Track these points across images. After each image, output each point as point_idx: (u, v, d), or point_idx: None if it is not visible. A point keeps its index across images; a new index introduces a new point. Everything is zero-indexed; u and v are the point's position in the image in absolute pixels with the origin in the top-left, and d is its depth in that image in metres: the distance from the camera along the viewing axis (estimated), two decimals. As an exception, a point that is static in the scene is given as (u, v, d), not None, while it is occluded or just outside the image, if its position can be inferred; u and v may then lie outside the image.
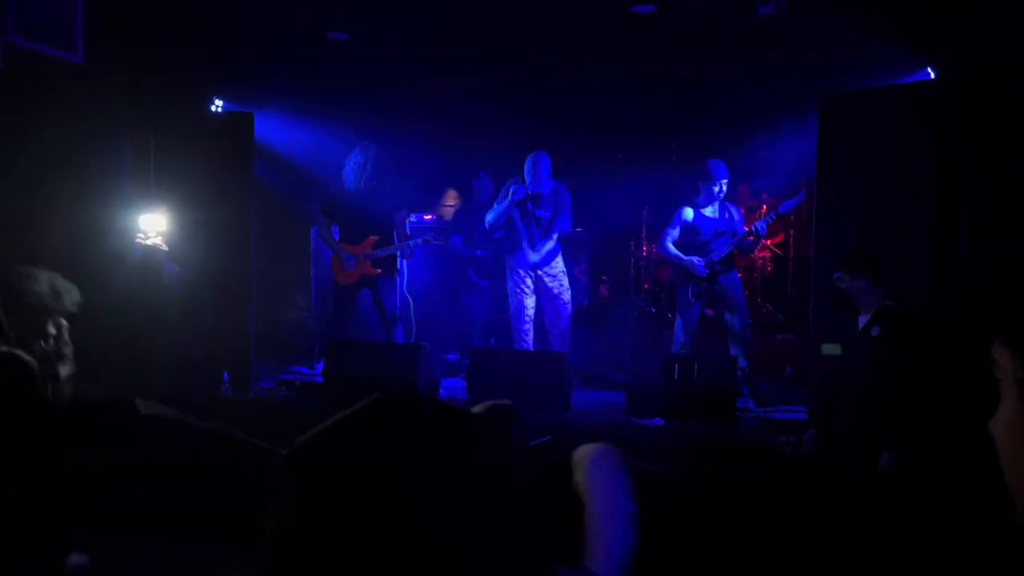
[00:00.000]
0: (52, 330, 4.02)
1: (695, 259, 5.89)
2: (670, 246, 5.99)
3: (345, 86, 7.27)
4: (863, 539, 2.90)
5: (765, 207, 7.56)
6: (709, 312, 6.36)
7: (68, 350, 4.07)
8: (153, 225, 5.45)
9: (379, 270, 6.18)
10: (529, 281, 6.34)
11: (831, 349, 5.69)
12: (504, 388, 4.98)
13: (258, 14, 5.77)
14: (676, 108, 7.67)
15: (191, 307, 5.59)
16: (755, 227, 5.85)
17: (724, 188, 5.95)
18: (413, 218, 7.73)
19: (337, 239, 6.31)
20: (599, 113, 7.54)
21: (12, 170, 4.74)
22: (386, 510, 1.83)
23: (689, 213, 5.99)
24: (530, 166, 6.15)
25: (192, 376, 5.46)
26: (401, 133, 7.51)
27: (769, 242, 7.91)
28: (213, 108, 6.36)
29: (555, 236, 6.30)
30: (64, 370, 4.08)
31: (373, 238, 6.19)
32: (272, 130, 7.03)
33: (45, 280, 3.89)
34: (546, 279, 6.35)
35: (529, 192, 6.16)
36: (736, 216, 6.06)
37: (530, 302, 6.36)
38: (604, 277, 8.94)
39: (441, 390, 6.17)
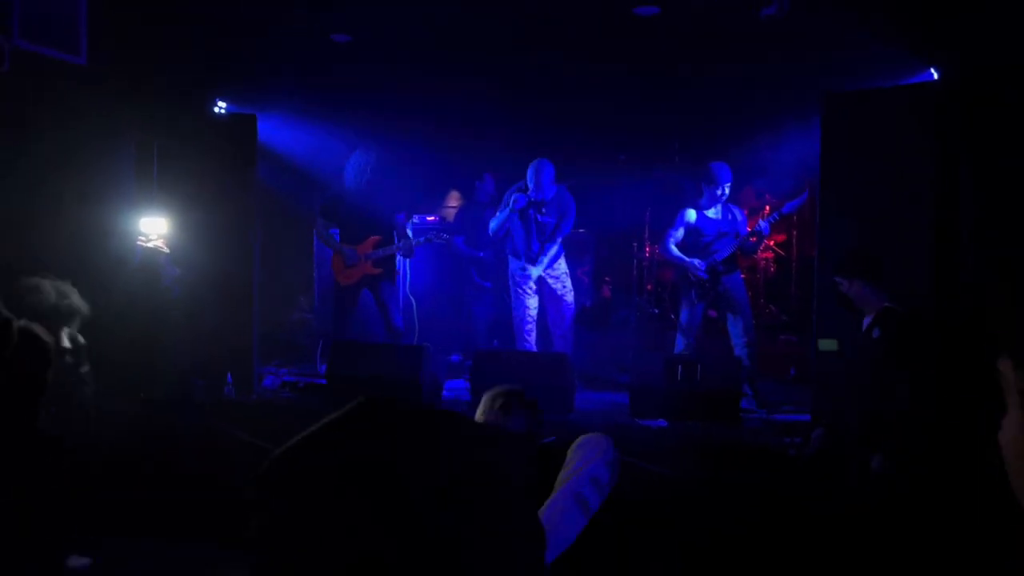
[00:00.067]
0: (67, 341, 4.06)
1: (696, 261, 5.89)
2: (672, 247, 5.99)
3: (347, 88, 7.28)
4: (863, 539, 2.89)
5: (768, 207, 7.55)
6: (712, 313, 6.36)
7: (84, 353, 4.10)
8: (154, 228, 5.46)
9: (380, 269, 6.20)
10: (532, 282, 6.34)
11: (828, 345, 5.70)
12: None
13: (260, 15, 5.78)
14: (678, 109, 7.65)
15: (193, 309, 5.60)
16: (758, 227, 5.85)
17: (727, 191, 5.95)
18: (416, 219, 7.74)
19: (338, 241, 6.33)
20: (601, 114, 7.53)
21: (15, 171, 4.76)
22: (372, 509, 1.83)
23: (692, 214, 5.99)
24: (532, 173, 6.16)
25: (194, 377, 5.47)
26: (404, 134, 7.52)
27: (772, 242, 7.90)
28: (216, 110, 6.38)
29: (560, 240, 6.31)
30: (84, 368, 4.12)
31: (375, 238, 6.21)
32: (275, 131, 7.04)
33: (51, 289, 3.91)
34: (549, 280, 6.36)
35: (532, 199, 6.17)
36: (739, 217, 6.06)
37: (533, 303, 6.36)
38: (607, 278, 8.93)
39: (444, 391, 6.17)
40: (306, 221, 7.46)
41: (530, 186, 6.17)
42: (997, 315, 4.08)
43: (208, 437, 4.47)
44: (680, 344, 6.04)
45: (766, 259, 8.03)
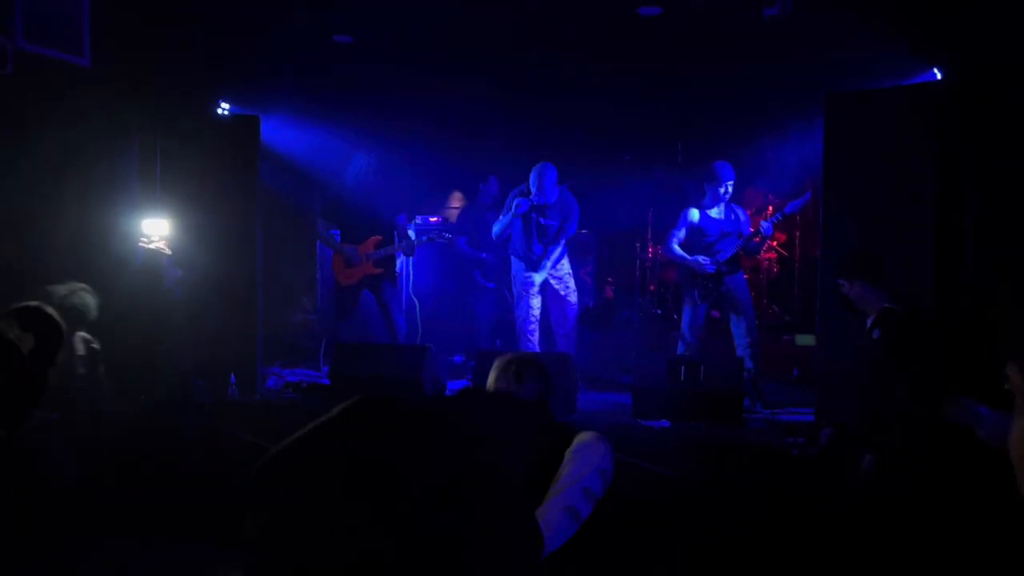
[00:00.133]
0: (81, 349, 4.08)
1: (701, 258, 5.87)
2: (676, 247, 5.98)
3: (350, 89, 7.28)
4: (864, 540, 2.88)
5: (771, 208, 7.54)
6: (715, 313, 6.35)
7: (99, 355, 4.13)
8: (156, 229, 5.46)
9: (381, 269, 6.21)
10: (536, 287, 6.35)
11: (805, 340, 5.69)
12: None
13: (261, 16, 5.78)
14: (681, 109, 7.65)
15: (196, 310, 5.61)
16: (761, 228, 5.85)
17: (730, 190, 5.94)
18: (419, 219, 7.75)
19: (339, 241, 6.34)
20: (603, 114, 7.53)
21: (19, 172, 4.77)
22: (372, 509, 1.83)
23: (695, 214, 5.99)
24: (535, 177, 6.16)
25: (195, 378, 5.48)
26: (404, 134, 7.52)
27: (775, 243, 7.88)
28: (219, 111, 6.39)
29: (563, 242, 6.32)
30: (100, 368, 4.15)
31: (376, 238, 6.22)
32: (277, 132, 7.04)
33: (65, 292, 3.93)
34: (552, 281, 6.37)
35: (535, 203, 6.17)
36: (742, 217, 6.05)
37: (536, 303, 6.36)
38: (609, 279, 8.92)
39: (447, 392, 6.17)
40: (308, 221, 7.46)
41: (533, 190, 6.17)
42: (998, 315, 4.07)
43: (209, 437, 4.47)
44: (683, 345, 6.04)
45: (769, 259, 8.02)
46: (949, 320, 4.40)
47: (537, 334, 6.40)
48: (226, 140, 6.04)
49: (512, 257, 6.49)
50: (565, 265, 6.44)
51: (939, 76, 5.09)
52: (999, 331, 3.89)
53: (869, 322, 4.09)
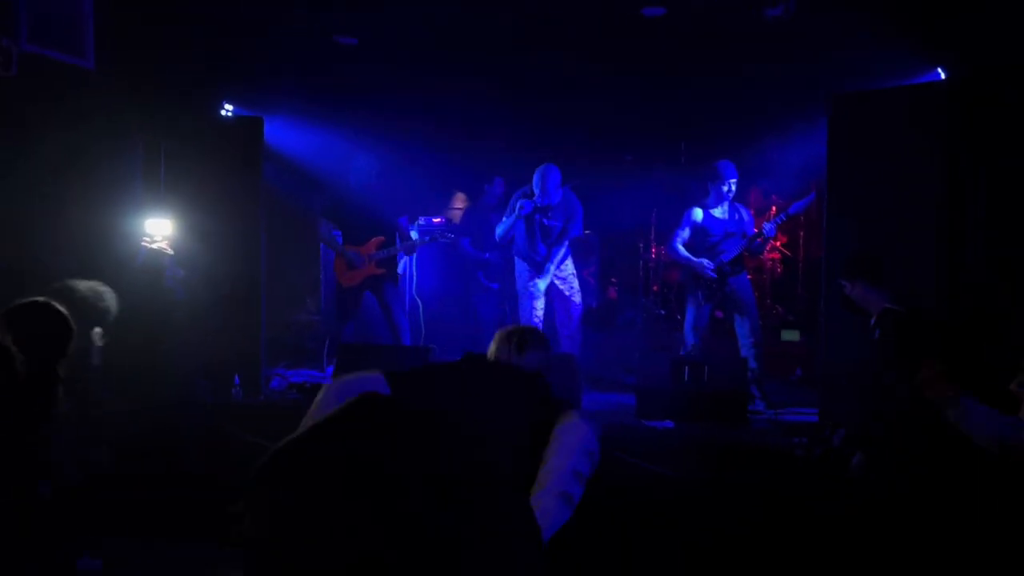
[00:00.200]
0: (98, 340, 4.08)
1: (704, 261, 5.87)
2: (679, 247, 5.98)
3: (350, 89, 7.30)
4: (863, 540, 2.88)
5: (775, 208, 7.54)
6: (719, 314, 6.34)
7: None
8: (159, 229, 5.47)
9: (382, 270, 6.22)
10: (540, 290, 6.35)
11: (789, 335, 5.67)
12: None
13: (263, 17, 5.80)
14: (683, 109, 7.65)
15: (199, 311, 5.61)
16: (764, 229, 5.84)
17: (733, 188, 5.93)
18: (422, 220, 7.76)
19: (340, 243, 6.35)
20: (605, 114, 7.54)
21: (23, 174, 4.78)
22: (372, 509, 1.83)
23: (698, 214, 5.98)
24: (538, 179, 6.16)
25: (198, 378, 5.48)
26: (406, 135, 7.53)
27: (779, 243, 7.88)
28: (223, 112, 6.40)
29: (567, 243, 6.32)
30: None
31: (378, 239, 6.23)
32: (281, 133, 7.06)
33: (86, 290, 3.93)
34: (556, 281, 6.37)
35: (538, 205, 6.18)
36: (746, 217, 6.04)
37: (539, 304, 6.36)
38: (613, 279, 8.93)
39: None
40: (311, 222, 7.47)
41: (536, 192, 6.18)
42: (999, 315, 4.07)
43: (211, 437, 4.48)
44: (687, 345, 6.03)
45: (773, 260, 8.02)
46: (952, 320, 4.39)
47: (540, 334, 6.39)
48: (230, 141, 6.04)
49: (516, 258, 6.49)
50: (569, 265, 6.44)
51: (943, 76, 5.08)
52: (1001, 331, 3.89)
53: (872, 322, 4.09)
